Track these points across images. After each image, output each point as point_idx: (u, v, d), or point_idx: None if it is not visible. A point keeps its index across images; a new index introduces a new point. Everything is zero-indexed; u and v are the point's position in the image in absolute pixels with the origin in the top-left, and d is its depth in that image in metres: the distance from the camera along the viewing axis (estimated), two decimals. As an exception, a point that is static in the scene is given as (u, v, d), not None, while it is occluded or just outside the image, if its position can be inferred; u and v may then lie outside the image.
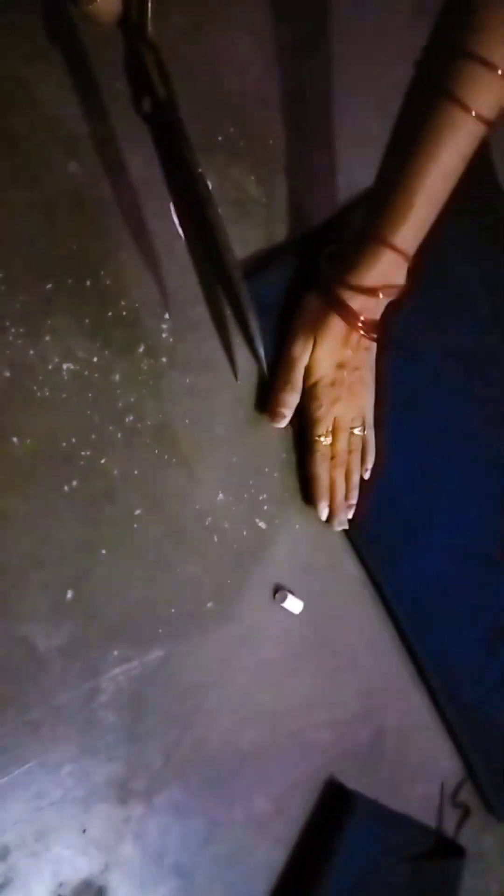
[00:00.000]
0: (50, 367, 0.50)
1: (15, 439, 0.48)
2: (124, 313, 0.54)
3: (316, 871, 0.62)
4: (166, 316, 0.57)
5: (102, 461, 0.52)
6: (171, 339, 0.57)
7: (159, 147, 0.56)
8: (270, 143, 0.64)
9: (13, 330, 0.48)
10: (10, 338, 0.48)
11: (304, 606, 0.62)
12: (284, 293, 0.62)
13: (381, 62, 0.70)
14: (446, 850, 0.74)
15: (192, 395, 0.58)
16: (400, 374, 0.69)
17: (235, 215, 0.60)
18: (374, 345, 0.62)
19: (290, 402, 0.61)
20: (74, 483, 0.51)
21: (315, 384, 0.61)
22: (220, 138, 0.61)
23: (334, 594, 0.66)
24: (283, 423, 0.61)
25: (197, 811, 0.56)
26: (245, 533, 0.60)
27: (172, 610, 0.55)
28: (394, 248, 0.56)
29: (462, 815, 0.77)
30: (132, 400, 0.54)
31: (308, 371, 0.61)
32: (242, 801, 0.59)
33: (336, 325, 0.59)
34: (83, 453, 0.51)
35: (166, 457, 0.56)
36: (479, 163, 0.57)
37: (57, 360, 0.51)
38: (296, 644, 0.63)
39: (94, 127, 0.54)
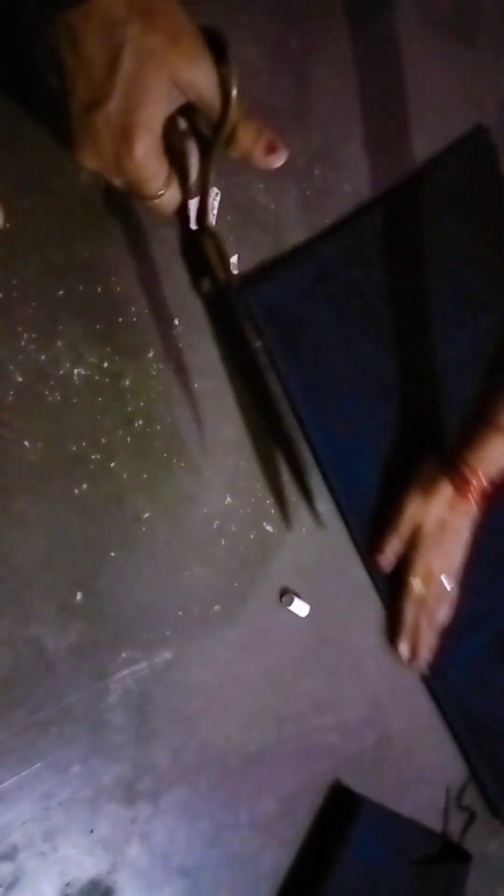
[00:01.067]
0: (61, 371, 0.51)
1: (26, 443, 0.49)
2: (134, 319, 0.55)
3: (321, 874, 0.62)
4: (176, 321, 0.57)
5: (112, 465, 0.53)
6: (180, 344, 0.57)
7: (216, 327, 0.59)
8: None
9: (25, 335, 0.49)
10: (23, 343, 0.49)
11: (311, 610, 0.63)
12: (293, 301, 0.63)
13: (389, 68, 0.71)
14: (452, 855, 0.74)
15: (200, 400, 0.58)
16: None
17: (244, 222, 0.61)
18: (475, 512, 0.67)
19: (396, 547, 0.66)
20: (84, 486, 0.51)
21: (417, 531, 0.66)
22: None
23: (341, 598, 0.66)
24: (387, 565, 0.66)
25: (203, 812, 0.57)
26: (252, 536, 0.60)
27: (180, 612, 0.56)
28: None
29: (468, 819, 0.77)
30: (142, 404, 0.55)
31: (414, 518, 0.66)
32: (248, 803, 0.59)
33: (447, 490, 0.65)
34: (93, 457, 0.52)
35: (175, 461, 0.56)
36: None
37: (68, 364, 0.51)
38: (302, 647, 0.63)
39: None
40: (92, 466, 0.52)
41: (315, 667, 0.64)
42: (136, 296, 0.55)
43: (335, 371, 0.66)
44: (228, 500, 0.59)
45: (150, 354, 0.56)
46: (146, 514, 0.54)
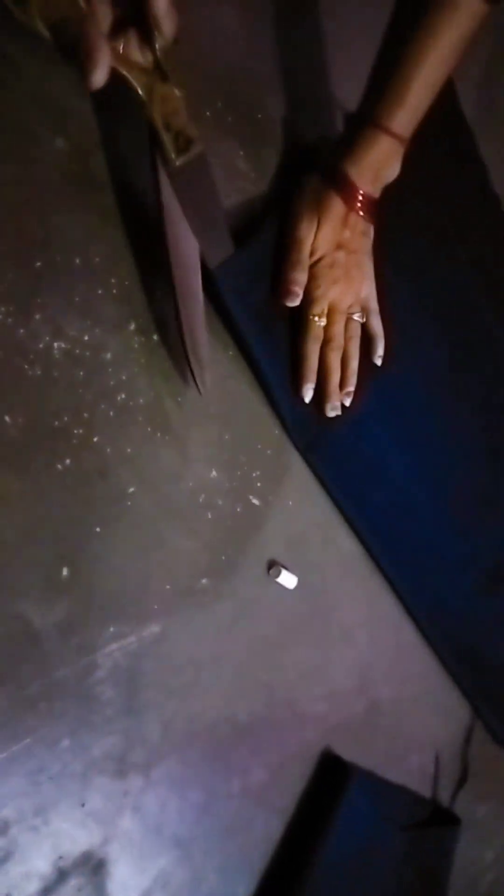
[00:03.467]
0: (41, 345, 0.50)
1: (7, 418, 0.48)
2: (114, 291, 0.54)
3: (312, 842, 0.63)
4: (156, 293, 0.56)
5: (95, 439, 0.52)
6: (163, 316, 0.57)
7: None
8: (259, 118, 0.63)
9: (2, 309, 0.48)
10: (0, 317, 0.48)
11: (299, 581, 0.63)
12: (269, 264, 0.62)
13: (369, 31, 0.69)
14: (441, 819, 0.75)
15: (184, 372, 0.58)
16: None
17: (224, 190, 0.60)
18: (372, 230, 0.62)
19: (301, 279, 0.60)
20: (67, 461, 0.51)
21: (314, 264, 0.61)
22: (207, 113, 0.60)
23: (329, 569, 0.66)
24: (296, 302, 0.60)
25: (195, 783, 0.57)
26: (239, 509, 0.60)
27: (167, 586, 0.55)
28: (390, 132, 0.57)
29: (457, 784, 0.79)
30: (124, 378, 0.54)
31: (298, 247, 0.60)
32: (239, 773, 0.60)
33: (336, 205, 0.59)
34: (76, 431, 0.51)
35: (159, 434, 0.56)
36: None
37: (48, 338, 0.50)
38: (291, 618, 0.63)
39: (83, 102, 0.53)
40: (75, 441, 0.51)
41: (304, 637, 0.64)
42: (115, 266, 0.54)
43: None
44: (214, 473, 0.59)
45: (132, 327, 0.55)
46: (131, 489, 0.54)
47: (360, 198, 0.59)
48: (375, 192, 0.61)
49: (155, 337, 0.56)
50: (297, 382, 0.62)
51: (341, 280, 0.61)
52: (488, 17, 0.54)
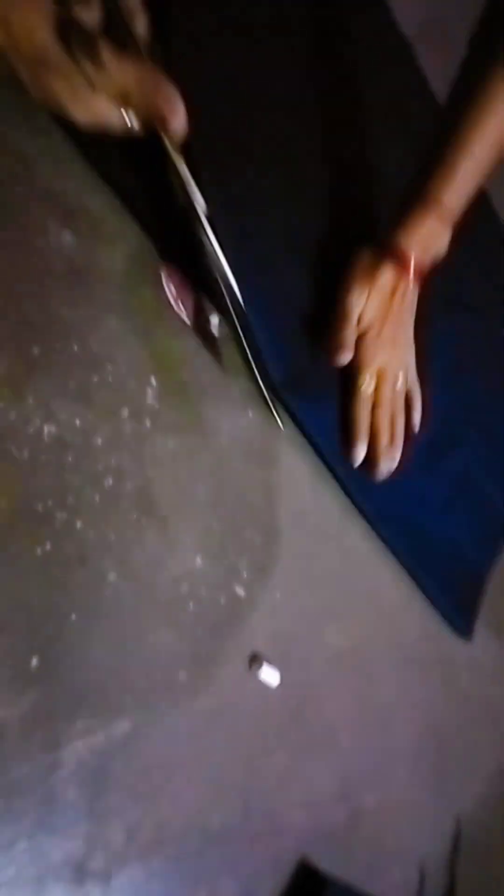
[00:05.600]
0: (31, 429, 0.50)
1: (-11, 501, 0.48)
2: (110, 378, 0.54)
3: None
4: (152, 380, 0.57)
5: (78, 525, 0.52)
6: (156, 404, 0.57)
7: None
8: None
9: (-5, 391, 0.48)
10: (-8, 399, 0.48)
11: (282, 678, 0.61)
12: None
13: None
14: (423, 941, 0.70)
15: (174, 460, 0.57)
16: None
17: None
18: (416, 300, 0.66)
19: (350, 341, 0.64)
20: (48, 546, 0.50)
21: (363, 333, 0.64)
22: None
23: (314, 666, 0.64)
24: (346, 360, 0.63)
25: (158, 894, 0.54)
26: (223, 601, 0.59)
27: (142, 680, 0.54)
28: (441, 208, 0.61)
29: (442, 902, 0.74)
30: (113, 463, 0.54)
31: (347, 314, 0.63)
32: (207, 884, 0.56)
33: (388, 274, 0.63)
34: (59, 516, 0.51)
35: (144, 521, 0.55)
36: None
37: (39, 422, 0.50)
38: (271, 719, 0.61)
39: (92, 201, 0.55)
40: (57, 526, 0.51)
41: (284, 740, 0.61)
42: (112, 355, 0.55)
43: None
44: (199, 562, 0.58)
45: (125, 413, 0.55)
46: (111, 576, 0.53)
47: (412, 269, 0.63)
48: (426, 263, 0.63)
49: (147, 423, 0.56)
50: (350, 444, 0.65)
51: (388, 348, 0.65)
52: None
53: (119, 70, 0.46)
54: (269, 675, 0.60)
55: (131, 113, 0.48)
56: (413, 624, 0.73)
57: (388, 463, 0.66)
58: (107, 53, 0.45)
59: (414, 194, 0.62)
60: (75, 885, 0.50)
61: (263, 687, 0.60)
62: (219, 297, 0.57)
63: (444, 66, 0.82)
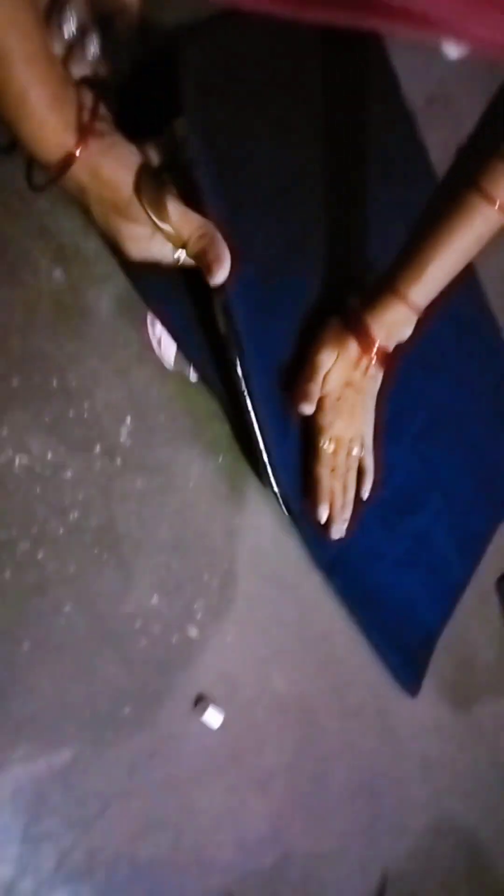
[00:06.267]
0: (2, 458, 0.52)
1: (-46, 526, 0.49)
2: (86, 415, 0.56)
3: None
4: (128, 420, 0.59)
5: (39, 555, 0.53)
6: (128, 443, 0.59)
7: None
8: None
9: (-29, 421, 0.50)
10: (-33, 428, 0.50)
11: (225, 720, 0.62)
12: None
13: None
14: None
15: (141, 499, 0.59)
16: None
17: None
18: (381, 375, 0.70)
19: (315, 395, 0.67)
20: (7, 574, 0.51)
21: (324, 396, 0.68)
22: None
23: (258, 710, 0.66)
24: (309, 412, 0.67)
25: (81, 923, 0.55)
26: (174, 640, 0.60)
27: (87, 711, 0.55)
28: (407, 302, 0.65)
29: None
30: (80, 498, 0.56)
31: (315, 371, 0.67)
32: (131, 917, 0.57)
33: (353, 347, 0.67)
34: (21, 545, 0.52)
35: (105, 556, 0.57)
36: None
37: (10, 452, 0.52)
38: (210, 758, 0.62)
39: (86, 242, 0.57)
40: (18, 555, 0.52)
41: (221, 781, 0.63)
42: (90, 391, 0.57)
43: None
44: (155, 600, 0.59)
45: (97, 449, 0.57)
46: (67, 608, 0.54)
47: (375, 347, 0.67)
48: (389, 346, 0.69)
49: (118, 461, 0.58)
50: (314, 504, 0.69)
51: (345, 414, 0.69)
52: None
53: (181, 222, 0.53)
54: (213, 717, 0.61)
55: (182, 253, 0.55)
56: (359, 676, 0.75)
57: (341, 525, 0.70)
58: (173, 206, 0.52)
59: (386, 283, 0.66)
60: (0, 910, 0.50)
61: (205, 728, 0.61)
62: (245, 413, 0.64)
63: (446, 141, 0.87)
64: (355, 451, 0.71)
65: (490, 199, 0.60)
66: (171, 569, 0.61)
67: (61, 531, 0.54)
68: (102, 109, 0.50)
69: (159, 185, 0.52)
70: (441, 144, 0.91)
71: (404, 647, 0.78)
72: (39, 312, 0.54)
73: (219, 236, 0.54)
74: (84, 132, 0.48)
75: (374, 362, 0.68)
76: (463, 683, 0.86)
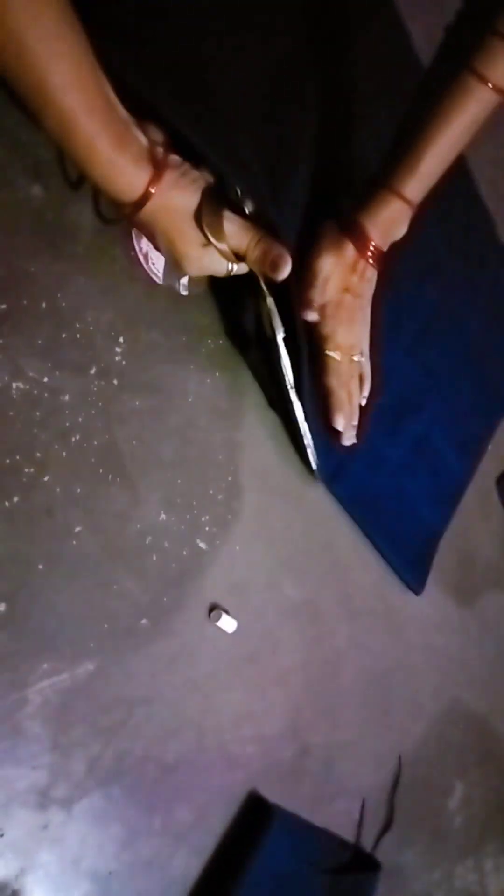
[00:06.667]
0: (-1, 385, 0.52)
1: (-42, 454, 0.50)
2: (78, 336, 0.55)
3: (231, 880, 0.64)
4: (121, 339, 0.58)
5: (46, 478, 0.54)
6: (123, 362, 0.58)
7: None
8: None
9: (-36, 348, 0.50)
10: (-39, 356, 0.50)
11: (239, 626, 0.64)
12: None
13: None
14: (362, 864, 0.77)
15: (140, 418, 0.59)
16: None
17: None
18: (375, 278, 0.69)
19: (317, 301, 0.67)
20: (16, 499, 0.52)
21: (324, 305, 0.67)
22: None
23: (270, 615, 0.68)
24: (314, 318, 0.66)
25: (117, 819, 0.58)
26: (185, 553, 0.62)
27: (106, 625, 0.57)
28: (401, 197, 0.64)
29: (382, 829, 0.80)
30: (80, 420, 0.56)
31: (315, 279, 0.67)
32: (163, 811, 0.61)
33: (349, 251, 0.66)
34: (27, 470, 0.53)
35: (110, 476, 0.57)
36: None
37: (7, 378, 0.52)
38: (227, 662, 0.65)
39: (60, 152, 0.55)
40: (24, 479, 0.52)
41: (238, 681, 0.65)
42: (81, 312, 0.56)
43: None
44: (163, 516, 0.60)
45: (93, 371, 0.56)
46: (77, 529, 0.55)
47: (371, 248, 0.66)
48: (384, 246, 0.67)
49: (115, 382, 0.57)
50: (329, 413, 0.70)
51: (345, 321, 0.68)
52: (500, 106, 0.60)
53: (237, 237, 0.56)
54: (227, 623, 0.63)
55: (234, 266, 0.58)
56: (365, 578, 0.77)
57: (351, 431, 0.71)
58: (228, 226, 0.55)
59: (379, 181, 0.65)
60: (39, 811, 0.53)
61: (221, 633, 0.64)
62: (286, 401, 0.67)
63: (429, 27, 0.83)
64: (356, 358, 0.71)
65: (483, 79, 0.58)
66: (177, 485, 0.61)
67: (65, 454, 0.55)
68: (160, 136, 0.52)
69: (216, 209, 0.55)
70: (425, 31, 0.87)
71: (408, 549, 0.80)
72: (20, 233, 0.53)
73: (275, 242, 0.57)
74: (158, 169, 0.50)
75: (370, 264, 0.67)
76: (466, 579, 0.89)
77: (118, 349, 0.58)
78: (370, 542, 0.77)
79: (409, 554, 0.80)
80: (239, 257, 0.57)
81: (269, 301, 0.62)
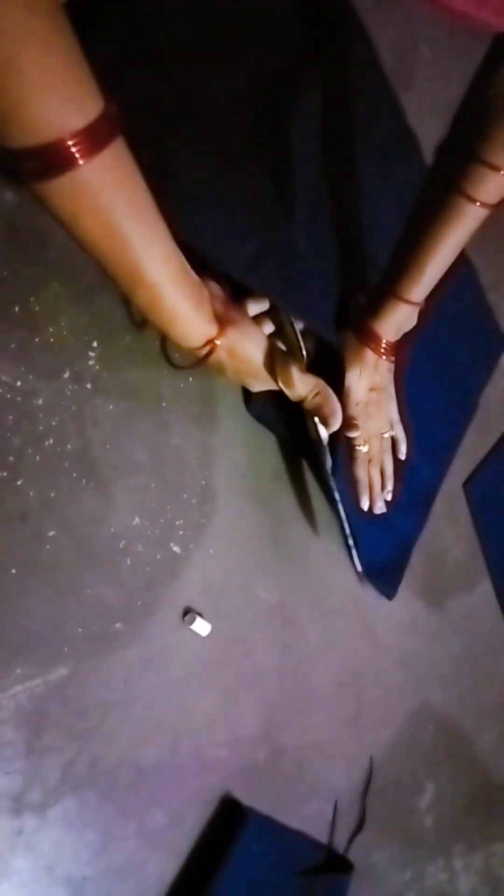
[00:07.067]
0: (-28, 389, 0.51)
1: None
2: (52, 340, 0.56)
3: (204, 884, 0.64)
4: (94, 344, 0.58)
5: (19, 482, 0.54)
6: (97, 367, 0.58)
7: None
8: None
9: None
10: None
11: (213, 629, 0.65)
12: None
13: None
14: (335, 865, 0.77)
15: (114, 422, 0.59)
16: None
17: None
18: (393, 367, 0.78)
19: (355, 416, 0.75)
20: (-11, 503, 0.52)
21: (354, 406, 0.75)
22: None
23: (243, 618, 0.69)
24: (358, 432, 0.74)
25: (91, 824, 0.58)
26: (159, 556, 0.62)
27: (80, 630, 0.57)
28: (409, 302, 0.72)
29: (354, 830, 0.81)
30: (54, 424, 0.56)
31: (348, 397, 0.75)
32: (137, 815, 0.61)
33: (369, 356, 0.74)
34: (0, 474, 0.53)
35: (84, 480, 0.57)
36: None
37: (-20, 382, 0.52)
38: (201, 665, 0.65)
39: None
40: (-2, 484, 0.52)
41: (212, 684, 0.66)
42: (54, 317, 0.56)
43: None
44: (136, 520, 0.61)
45: (66, 375, 0.56)
46: (51, 533, 0.55)
47: (384, 346, 0.74)
48: (398, 341, 0.76)
49: (88, 386, 0.58)
50: (355, 497, 0.77)
51: (374, 414, 0.77)
52: (488, 216, 0.67)
53: (300, 384, 0.63)
54: (201, 626, 0.64)
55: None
56: (336, 581, 0.78)
57: (381, 503, 0.79)
58: (295, 374, 0.62)
59: (386, 288, 0.72)
60: (13, 817, 0.53)
61: (195, 636, 0.64)
62: (329, 493, 0.75)
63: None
64: (386, 435, 0.79)
65: (472, 200, 0.65)
66: (150, 489, 0.62)
67: (38, 458, 0.55)
68: (219, 290, 0.58)
69: (283, 358, 0.62)
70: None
71: (380, 556, 0.81)
72: (-6, 237, 0.53)
73: (331, 392, 0.64)
74: (224, 323, 0.56)
75: (386, 359, 0.75)
76: (435, 581, 0.90)
77: (91, 353, 0.58)
78: (344, 546, 0.78)
79: (381, 561, 0.81)
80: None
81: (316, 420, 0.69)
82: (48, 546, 0.55)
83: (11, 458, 0.53)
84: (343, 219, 0.79)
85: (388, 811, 0.84)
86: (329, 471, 0.73)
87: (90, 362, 0.58)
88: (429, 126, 0.87)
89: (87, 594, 0.57)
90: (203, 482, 0.66)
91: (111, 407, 0.59)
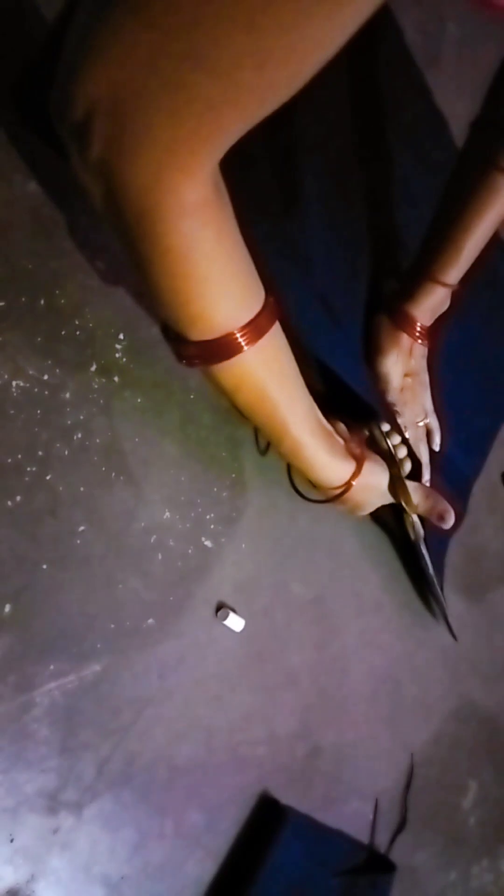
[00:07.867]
0: (-1, 383, 0.51)
1: (-40, 454, 0.49)
2: (78, 333, 0.55)
3: (243, 884, 0.63)
4: (121, 336, 0.57)
5: (48, 477, 0.53)
6: (124, 359, 0.58)
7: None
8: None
9: (-37, 346, 0.49)
10: (-40, 354, 0.49)
11: (246, 625, 0.64)
12: None
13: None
14: (376, 866, 0.75)
15: (143, 414, 0.59)
16: None
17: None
18: (427, 350, 0.77)
19: (394, 400, 0.75)
20: (18, 498, 0.51)
21: (390, 392, 0.75)
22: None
23: (277, 613, 0.67)
24: (399, 417, 0.74)
25: (127, 823, 0.57)
26: (190, 551, 0.61)
27: (112, 625, 0.56)
28: (444, 284, 0.71)
29: (395, 830, 0.79)
30: (82, 418, 0.55)
31: (388, 383, 0.75)
32: (174, 814, 0.60)
33: (404, 340, 0.74)
34: (29, 469, 0.52)
35: (114, 474, 0.57)
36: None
37: (6, 376, 0.51)
38: (236, 661, 0.64)
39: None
40: (27, 479, 0.52)
41: (247, 681, 0.65)
42: (80, 309, 0.55)
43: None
44: (167, 514, 0.60)
45: (93, 368, 0.56)
46: (81, 528, 0.55)
47: (419, 329, 0.74)
48: (433, 325, 0.75)
49: (116, 379, 0.57)
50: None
51: (409, 401, 0.76)
52: None
53: (416, 497, 0.65)
54: (234, 622, 0.63)
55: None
56: (372, 575, 0.77)
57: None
58: (413, 492, 0.65)
59: (420, 271, 0.71)
60: (49, 815, 0.53)
61: (228, 632, 0.63)
62: (430, 585, 0.79)
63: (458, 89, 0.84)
64: (421, 424, 0.78)
65: None
66: (180, 482, 0.61)
67: (67, 452, 0.54)
68: (345, 430, 0.62)
69: (404, 484, 0.65)
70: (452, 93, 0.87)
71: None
72: (17, 229, 0.52)
73: (434, 491, 0.67)
74: (359, 462, 0.59)
75: (421, 343, 0.74)
76: (475, 574, 0.88)
77: (118, 346, 0.57)
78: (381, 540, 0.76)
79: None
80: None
81: (415, 517, 0.73)
82: (78, 541, 0.54)
83: (40, 453, 0.53)
84: (373, 203, 0.78)
85: (431, 811, 0.81)
86: (428, 562, 0.76)
87: (117, 355, 0.57)
88: (458, 105, 0.85)
89: (119, 589, 0.57)
90: (233, 475, 0.65)
91: (139, 400, 0.58)
